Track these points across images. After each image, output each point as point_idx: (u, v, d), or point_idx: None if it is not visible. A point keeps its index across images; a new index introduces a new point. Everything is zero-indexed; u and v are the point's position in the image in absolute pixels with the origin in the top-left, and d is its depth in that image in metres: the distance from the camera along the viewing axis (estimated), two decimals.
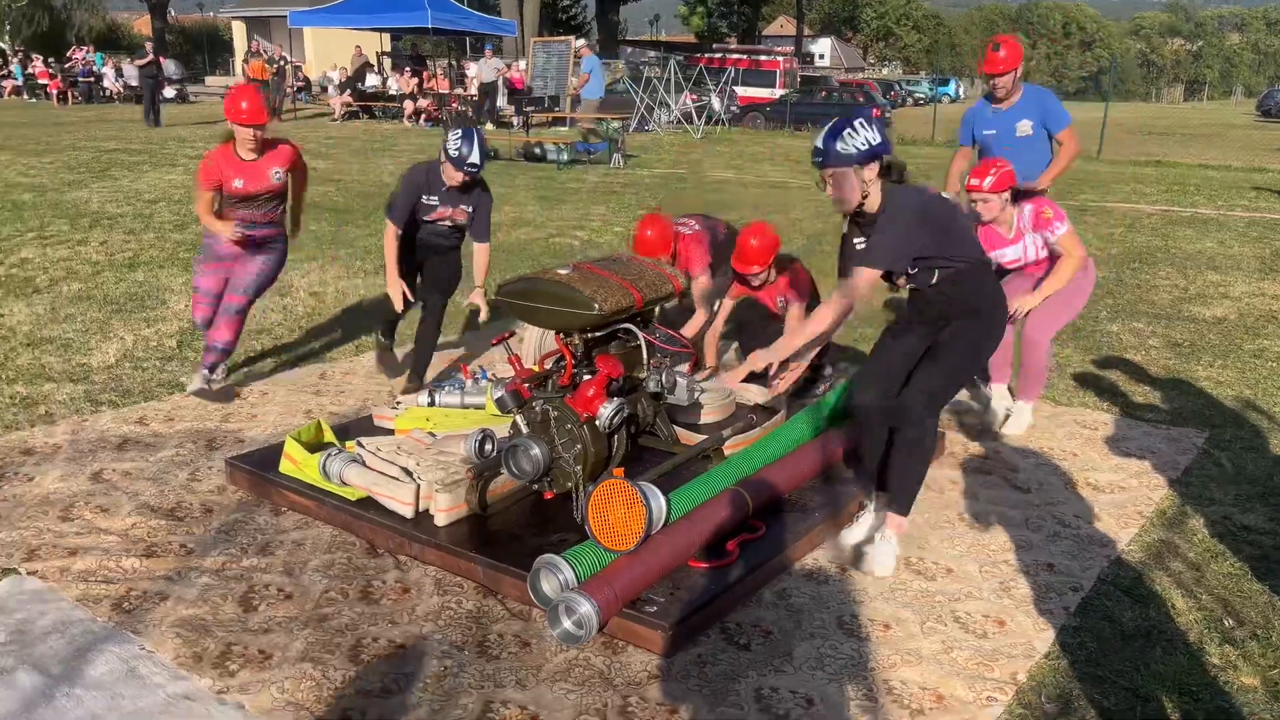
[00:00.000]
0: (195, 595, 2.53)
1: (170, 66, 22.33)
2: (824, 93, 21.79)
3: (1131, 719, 2.11)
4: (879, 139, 2.59)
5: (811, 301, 4.06)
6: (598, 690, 2.15)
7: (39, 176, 11.02)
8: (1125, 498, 3.40)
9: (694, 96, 18.77)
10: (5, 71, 25.97)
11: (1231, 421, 4.11)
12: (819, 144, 2.63)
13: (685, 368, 3.31)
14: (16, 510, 3.03)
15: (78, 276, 6.50)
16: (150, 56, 18.67)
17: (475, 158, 3.85)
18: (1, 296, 5.81)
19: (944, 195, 3.28)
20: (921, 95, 33.09)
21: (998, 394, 3.99)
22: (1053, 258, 3.79)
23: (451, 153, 3.83)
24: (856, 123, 2.60)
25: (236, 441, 3.72)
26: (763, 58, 24.83)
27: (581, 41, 21.45)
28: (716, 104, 19.31)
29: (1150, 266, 7.17)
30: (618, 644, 2.35)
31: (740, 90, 21.29)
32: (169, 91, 19.84)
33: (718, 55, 25.02)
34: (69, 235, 7.85)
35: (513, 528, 2.87)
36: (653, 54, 25.06)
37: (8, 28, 29.78)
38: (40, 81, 24.26)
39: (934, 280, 2.67)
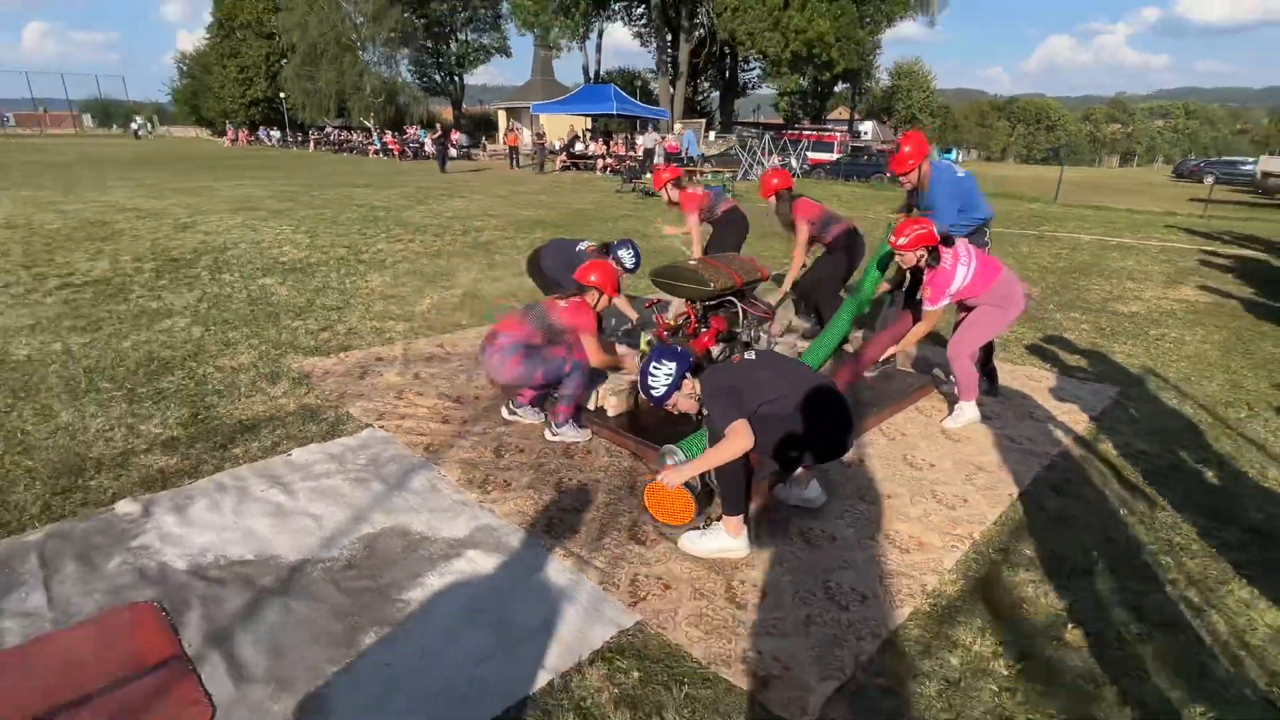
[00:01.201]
0: (469, 445, 3.48)
1: (462, 138, 32.36)
2: (865, 156, 26.09)
3: (1045, 564, 2.59)
4: (675, 369, 2.60)
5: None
6: (703, 520, 2.83)
7: (387, 201, 13.63)
8: (1057, 427, 3.88)
9: (780, 157, 23.94)
10: (370, 141, 34.74)
11: (1136, 382, 4.66)
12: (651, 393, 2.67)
13: (768, 326, 3.87)
14: (374, 391, 4.12)
15: (407, 260, 8.20)
16: (439, 132, 26.86)
17: (630, 264, 3.96)
18: (367, 270, 7.55)
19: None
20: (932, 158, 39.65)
21: (966, 408, 3.80)
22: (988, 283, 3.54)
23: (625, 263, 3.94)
24: (651, 367, 2.64)
25: None
26: (826, 133, 30.91)
27: (685, 123, 29.05)
28: (794, 163, 24.18)
29: (1086, 277, 8.30)
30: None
31: (811, 154, 26.46)
32: (453, 152, 27.37)
33: (796, 131, 32.14)
34: (402, 236, 9.80)
35: (652, 421, 3.54)
36: (754, 130, 33.36)
37: (373, 115, 40.37)
38: (389, 147, 32.23)
39: None
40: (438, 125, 31.43)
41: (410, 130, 34.26)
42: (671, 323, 3.80)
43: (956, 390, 3.82)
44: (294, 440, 3.46)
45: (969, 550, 2.66)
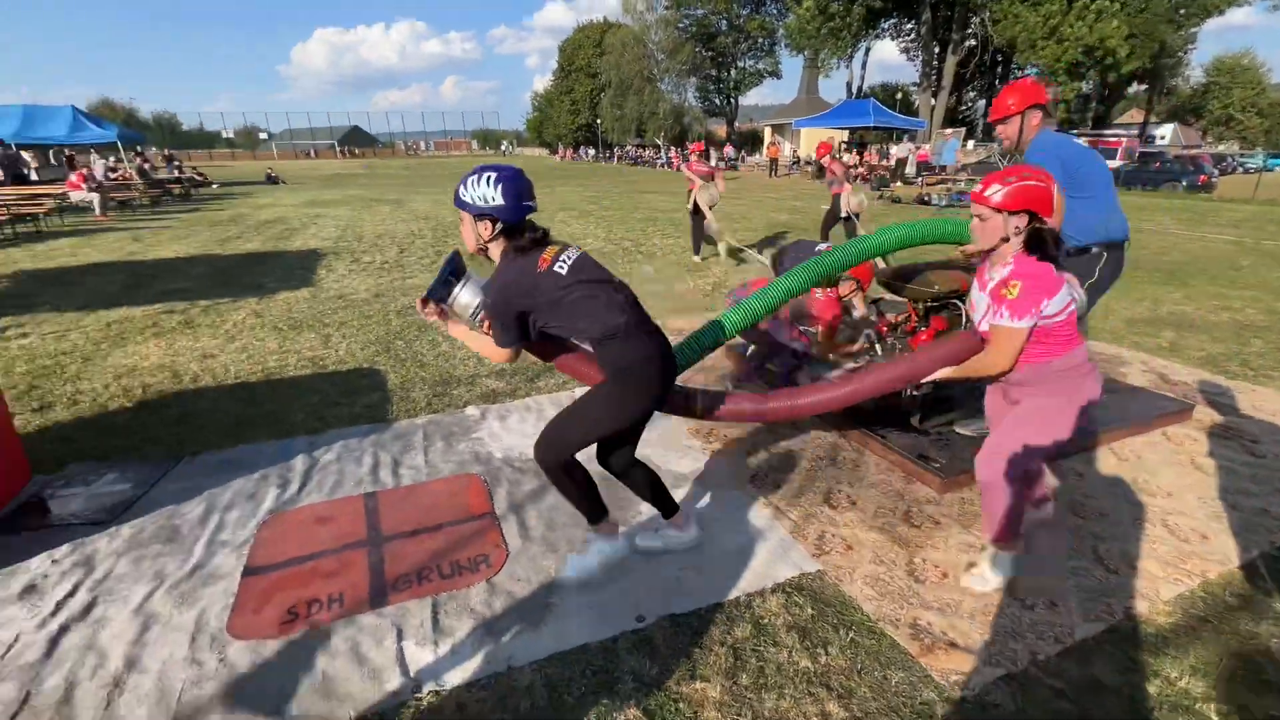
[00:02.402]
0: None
1: (730, 150, 33.83)
2: (1157, 164, 20.05)
3: None
4: (500, 201, 1.87)
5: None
6: (894, 499, 2.69)
7: (665, 205, 14.72)
8: None
9: None
10: (658, 156, 36.88)
11: None
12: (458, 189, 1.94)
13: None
14: None
15: (674, 254, 8.92)
16: (702, 146, 26.58)
17: None
18: (643, 259, 8.24)
19: None
20: (1253, 166, 29.61)
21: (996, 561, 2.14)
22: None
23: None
24: (483, 175, 1.91)
25: None
26: (1107, 137, 24.72)
27: (949, 131, 25.46)
28: None
29: None
30: (911, 480, 2.83)
31: None
32: (717, 163, 28.35)
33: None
34: (672, 233, 10.59)
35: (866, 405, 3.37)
36: None
37: (663, 134, 42.92)
38: (672, 160, 33.58)
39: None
40: (700, 143, 33.04)
41: (693, 146, 35.62)
42: (892, 319, 3.55)
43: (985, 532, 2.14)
44: (578, 382, 4.01)
45: (1197, 588, 2.12)
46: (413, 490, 2.76)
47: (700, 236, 8.06)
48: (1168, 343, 4.72)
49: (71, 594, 2.14)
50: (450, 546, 2.37)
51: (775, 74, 46.95)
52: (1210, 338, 4.83)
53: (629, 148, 44.65)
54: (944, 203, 14.77)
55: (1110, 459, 2.99)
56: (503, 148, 66.01)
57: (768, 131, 41.18)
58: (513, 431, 3.32)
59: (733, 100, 48.93)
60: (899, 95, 42.33)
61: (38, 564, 2.29)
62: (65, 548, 2.39)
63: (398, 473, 2.92)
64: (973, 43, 31.62)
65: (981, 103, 39.61)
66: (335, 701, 1.72)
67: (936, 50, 31.92)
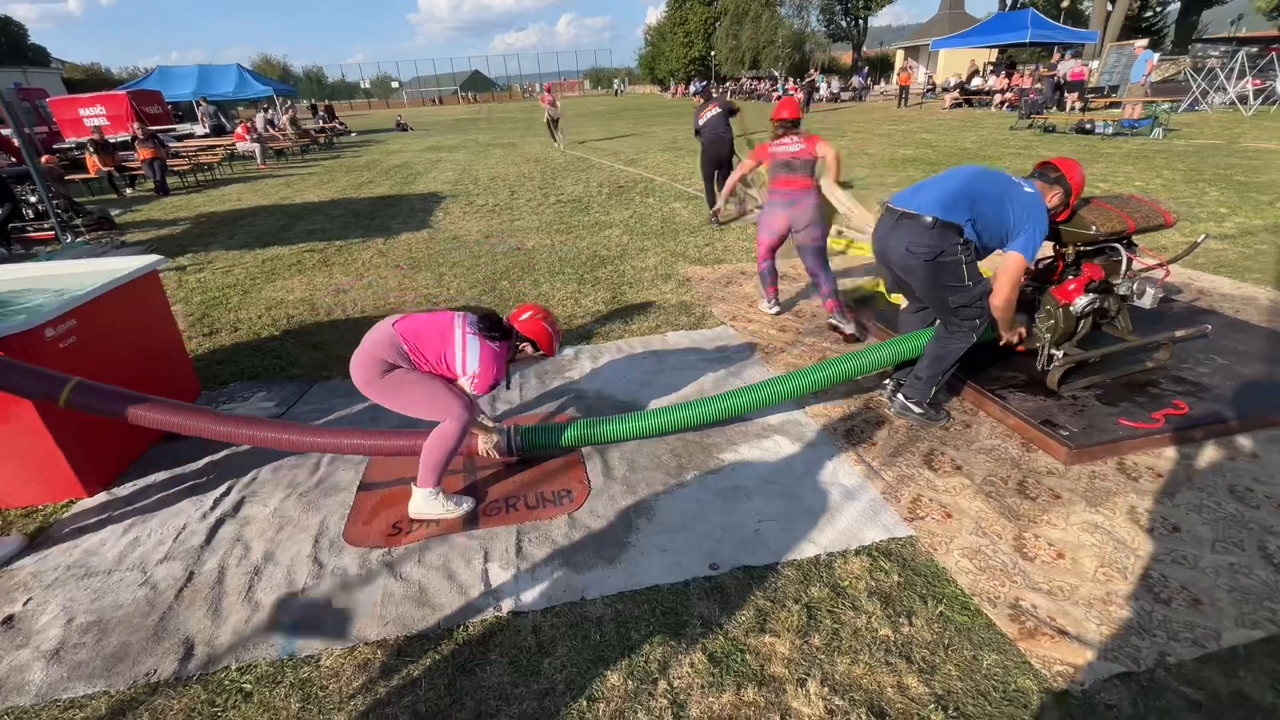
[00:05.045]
0: (797, 352, 3.47)
1: (857, 80, 29.31)
2: None
3: None
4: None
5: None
6: (1008, 467, 2.41)
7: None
8: None
9: (1258, 82, 14.77)
10: (775, 88, 32.84)
11: None
12: None
13: (1158, 281, 2.78)
14: (733, 297, 4.31)
15: None
16: (810, 77, 25.70)
17: None
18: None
19: None
20: None
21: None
22: None
23: None
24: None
25: None
26: None
27: (1142, 42, 20.12)
28: (1279, 86, 14.77)
29: None
30: (1031, 447, 2.51)
31: None
32: (825, 93, 26.51)
33: None
34: None
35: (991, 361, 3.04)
36: (1224, 48, 21.01)
37: (780, 64, 38.91)
38: (789, 91, 28.70)
39: None
40: (812, 73, 29.47)
41: (812, 74, 31.89)
42: (1031, 266, 3.01)
43: None
44: (670, 325, 3.94)
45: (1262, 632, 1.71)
46: (510, 420, 2.89)
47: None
48: None
49: (226, 493, 2.49)
50: (538, 479, 2.47)
51: None
52: None
53: (743, 80, 42.00)
54: (1111, 131, 11.97)
55: None
56: (614, 87, 64.73)
57: (899, 56, 36.89)
58: (603, 371, 3.35)
59: (861, 22, 44.13)
60: (1064, 4, 35.87)
61: (201, 466, 2.68)
62: (223, 453, 2.77)
63: (494, 406, 3.06)
64: None
65: (1174, 5, 32.49)
66: (427, 609, 1.87)
67: None
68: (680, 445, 2.63)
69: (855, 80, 30.11)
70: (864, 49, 44.56)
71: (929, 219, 2.39)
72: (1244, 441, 2.45)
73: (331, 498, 2.43)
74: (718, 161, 6.53)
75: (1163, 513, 2.11)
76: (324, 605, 1.91)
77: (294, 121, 18.74)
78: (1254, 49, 18.45)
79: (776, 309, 4.04)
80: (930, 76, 25.57)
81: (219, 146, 14.17)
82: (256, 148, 14.39)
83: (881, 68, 41.69)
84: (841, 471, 2.42)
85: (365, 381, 2.19)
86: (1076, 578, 1.87)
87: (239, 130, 15.27)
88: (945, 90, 22.16)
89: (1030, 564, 1.93)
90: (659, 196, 8.06)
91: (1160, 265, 2.79)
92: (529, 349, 2.34)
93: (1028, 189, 2.42)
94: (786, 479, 2.38)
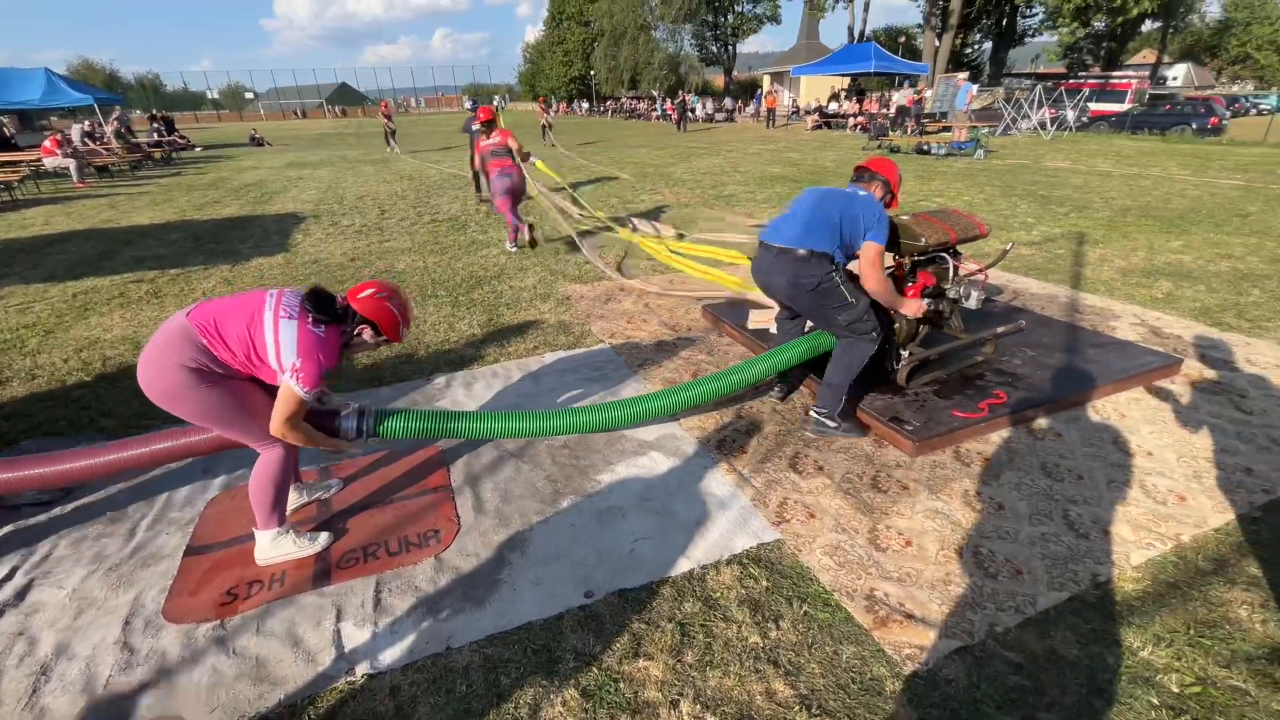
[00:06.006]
0: (673, 367, 3.55)
1: (728, 101, 32.90)
2: (1167, 105, 19.08)
3: (1277, 589, 1.80)
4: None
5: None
6: (862, 464, 2.58)
7: (658, 160, 14.21)
8: None
9: (1052, 111, 18.60)
10: (653, 108, 35.48)
11: None
12: None
13: (980, 284, 3.18)
14: (612, 315, 4.34)
15: (665, 210, 8.43)
16: (681, 98, 26.57)
17: None
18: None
19: None
20: (1266, 107, 28.56)
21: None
22: None
23: None
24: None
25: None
26: (1114, 79, 23.11)
27: (964, 75, 23.60)
28: (1070, 115, 19.01)
29: None
30: (883, 443, 2.72)
31: (1094, 105, 20.64)
32: (700, 114, 28.70)
33: (1078, 80, 24.87)
34: (662, 190, 10.13)
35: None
36: (1027, 82, 26.37)
37: (658, 85, 40.80)
38: (668, 112, 31.89)
39: None
40: (680, 93, 31.77)
41: (685, 96, 33.98)
42: (888, 255, 3.28)
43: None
44: (548, 346, 3.87)
45: (1169, 552, 2.03)
46: (370, 463, 2.67)
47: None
48: (1163, 294, 4.55)
49: (6, 578, 2.07)
50: (403, 521, 2.29)
51: (774, 19, 45.01)
52: (1208, 288, 4.65)
53: (623, 100, 43.07)
54: (943, 152, 13.88)
55: (1091, 417, 2.88)
56: (495, 102, 63.82)
57: (766, 80, 39.74)
58: (478, 398, 3.21)
59: (730, 48, 47.02)
60: (902, 39, 40.57)
61: None
62: (8, 528, 2.31)
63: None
64: None
65: (988, 45, 37.81)
66: (265, 686, 1.66)
67: None
68: (557, 470, 2.57)
69: (727, 102, 32.50)
70: (734, 73, 47.49)
71: (803, 251, 2.58)
72: (1050, 423, 2.82)
73: (150, 569, 2.10)
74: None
75: (990, 493, 2.36)
76: (131, 700, 1.63)
77: (121, 134, 16.54)
78: (1049, 84, 22.42)
79: (515, 249, 6.07)
80: (794, 100, 27.82)
81: (21, 162, 12.16)
82: (72, 164, 12.51)
83: (750, 91, 44.71)
84: (715, 482, 2.47)
85: (157, 392, 1.77)
86: (921, 562, 2.03)
87: (46, 144, 13.20)
88: (807, 113, 24.18)
89: (883, 554, 2.07)
90: (540, 215, 7.98)
91: (981, 270, 3.16)
92: (369, 333, 1.96)
93: (861, 193, 2.70)
94: (661, 495, 2.39)
